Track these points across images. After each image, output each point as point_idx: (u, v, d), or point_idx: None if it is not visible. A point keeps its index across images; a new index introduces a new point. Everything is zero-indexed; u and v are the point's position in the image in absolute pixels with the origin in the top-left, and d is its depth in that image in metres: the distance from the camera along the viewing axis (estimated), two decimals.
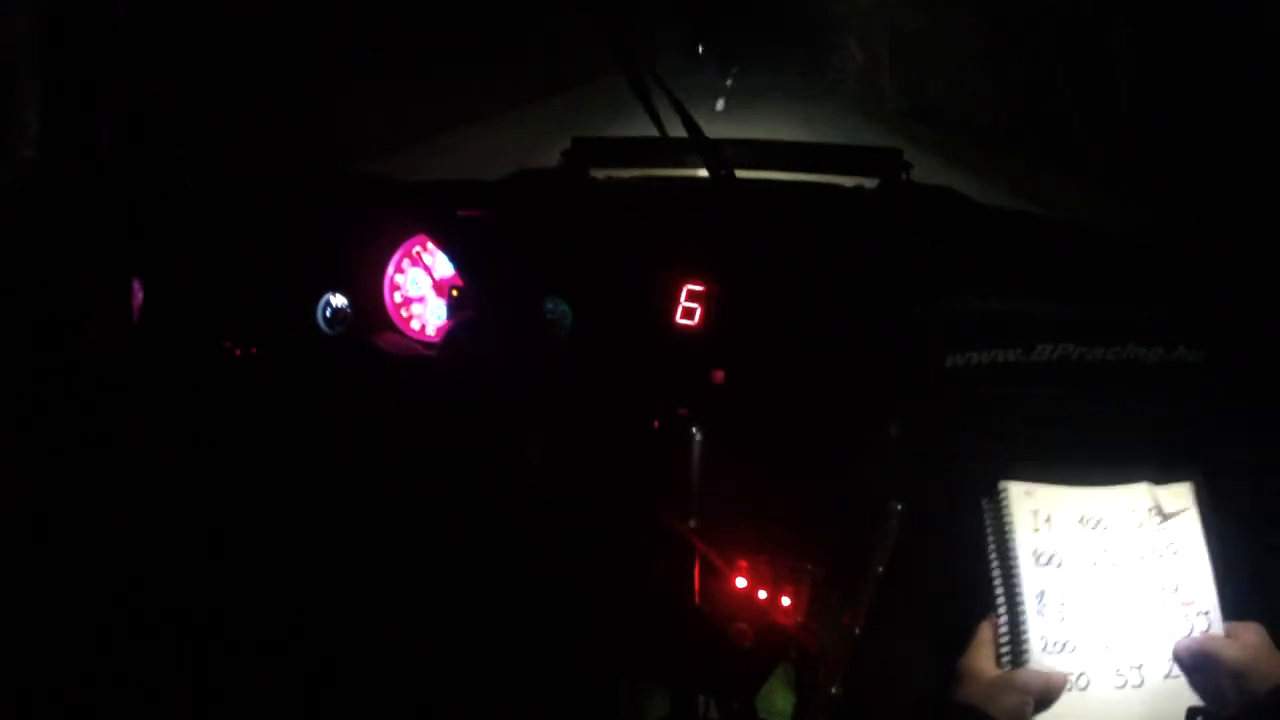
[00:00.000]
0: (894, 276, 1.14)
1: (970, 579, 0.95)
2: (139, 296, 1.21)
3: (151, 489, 1.26)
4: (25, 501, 1.09)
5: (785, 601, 1.12)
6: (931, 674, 1.05)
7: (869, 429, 1.13)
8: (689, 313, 1.18)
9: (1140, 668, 0.85)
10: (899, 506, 1.06)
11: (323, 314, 1.35)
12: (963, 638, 0.92)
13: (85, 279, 1.14)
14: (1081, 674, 0.85)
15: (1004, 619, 0.90)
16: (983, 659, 0.88)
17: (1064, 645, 0.87)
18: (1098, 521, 0.91)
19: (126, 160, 1.17)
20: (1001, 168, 7.37)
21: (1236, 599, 0.87)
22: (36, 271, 1.08)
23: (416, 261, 1.38)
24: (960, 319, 1.09)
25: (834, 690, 1.05)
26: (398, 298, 1.38)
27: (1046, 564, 0.90)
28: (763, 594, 1.12)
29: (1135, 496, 0.92)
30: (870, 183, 1.41)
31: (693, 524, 1.14)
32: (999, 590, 0.91)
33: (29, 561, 1.11)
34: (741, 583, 1.13)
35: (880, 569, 1.05)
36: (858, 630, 1.05)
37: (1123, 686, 0.85)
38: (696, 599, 1.15)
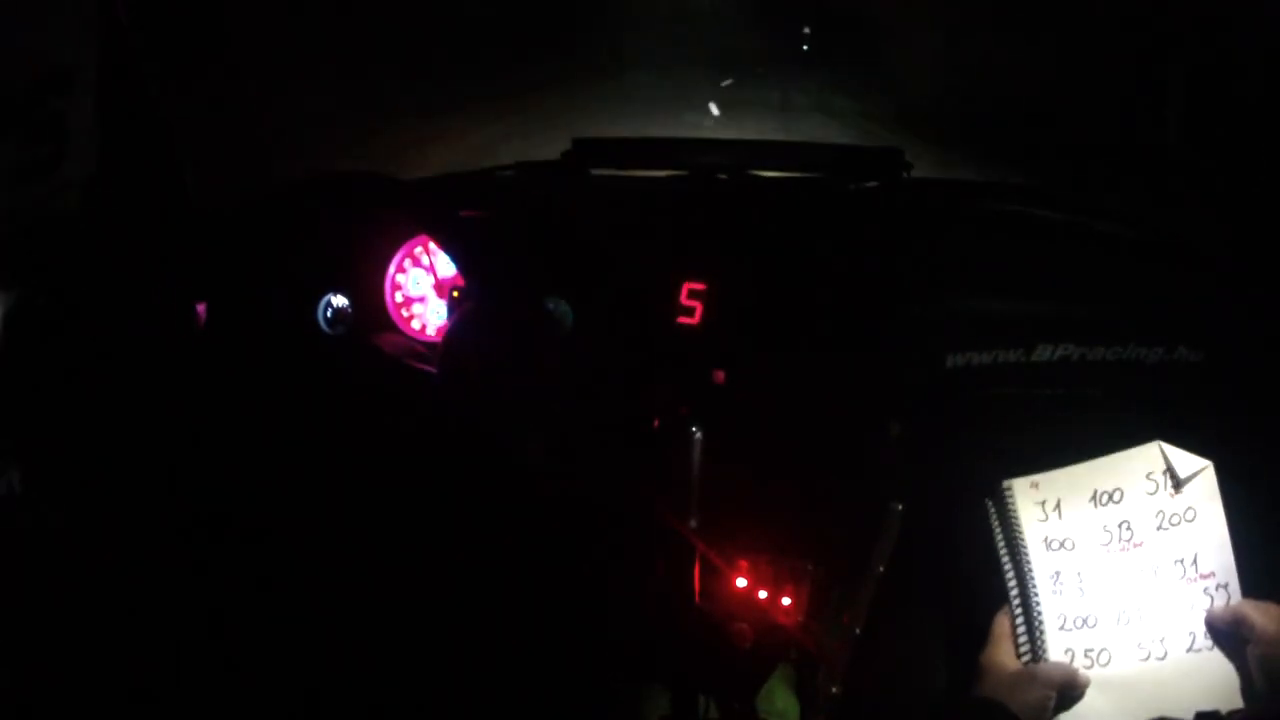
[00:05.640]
0: (894, 276, 1.14)
1: (975, 577, 0.94)
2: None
3: (150, 489, 1.26)
4: (25, 500, 1.10)
5: (785, 601, 1.12)
6: (933, 673, 1.05)
7: (869, 429, 1.13)
8: (689, 312, 1.18)
9: (1162, 640, 0.85)
10: (899, 506, 1.06)
11: (323, 314, 1.35)
12: (968, 636, 0.92)
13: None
14: (1103, 650, 0.86)
15: (1018, 606, 0.89)
16: (1003, 653, 0.88)
17: (1084, 621, 0.87)
18: (1110, 495, 0.91)
19: (124, 159, 1.17)
20: (1003, 166, 7.37)
21: (1256, 577, 0.86)
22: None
23: (418, 262, 1.38)
24: (960, 319, 1.09)
25: (834, 690, 1.05)
26: (399, 298, 1.38)
27: (1059, 548, 0.90)
28: (763, 594, 1.12)
29: (1147, 458, 0.91)
30: (870, 183, 1.41)
31: (693, 524, 1.14)
32: (1011, 580, 0.91)
33: (28, 560, 1.12)
34: (741, 583, 1.13)
35: (880, 569, 1.05)
36: (858, 630, 1.05)
37: (1145, 659, 0.85)
38: (696, 599, 1.15)
